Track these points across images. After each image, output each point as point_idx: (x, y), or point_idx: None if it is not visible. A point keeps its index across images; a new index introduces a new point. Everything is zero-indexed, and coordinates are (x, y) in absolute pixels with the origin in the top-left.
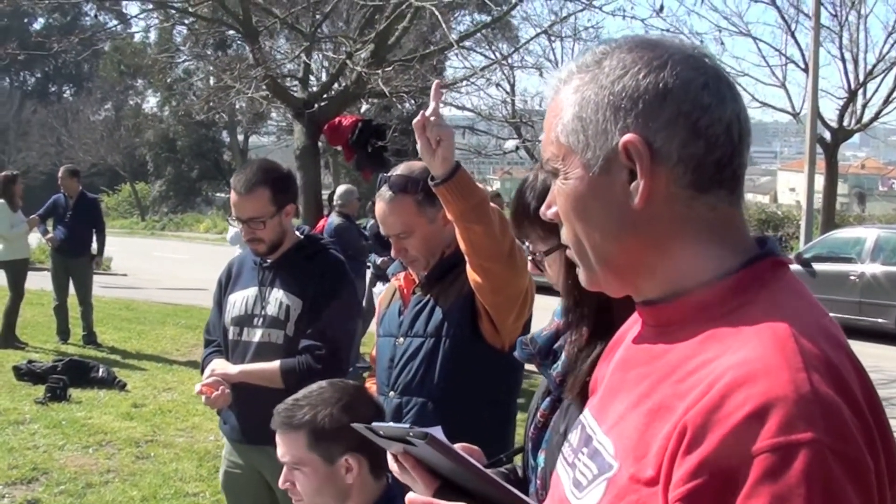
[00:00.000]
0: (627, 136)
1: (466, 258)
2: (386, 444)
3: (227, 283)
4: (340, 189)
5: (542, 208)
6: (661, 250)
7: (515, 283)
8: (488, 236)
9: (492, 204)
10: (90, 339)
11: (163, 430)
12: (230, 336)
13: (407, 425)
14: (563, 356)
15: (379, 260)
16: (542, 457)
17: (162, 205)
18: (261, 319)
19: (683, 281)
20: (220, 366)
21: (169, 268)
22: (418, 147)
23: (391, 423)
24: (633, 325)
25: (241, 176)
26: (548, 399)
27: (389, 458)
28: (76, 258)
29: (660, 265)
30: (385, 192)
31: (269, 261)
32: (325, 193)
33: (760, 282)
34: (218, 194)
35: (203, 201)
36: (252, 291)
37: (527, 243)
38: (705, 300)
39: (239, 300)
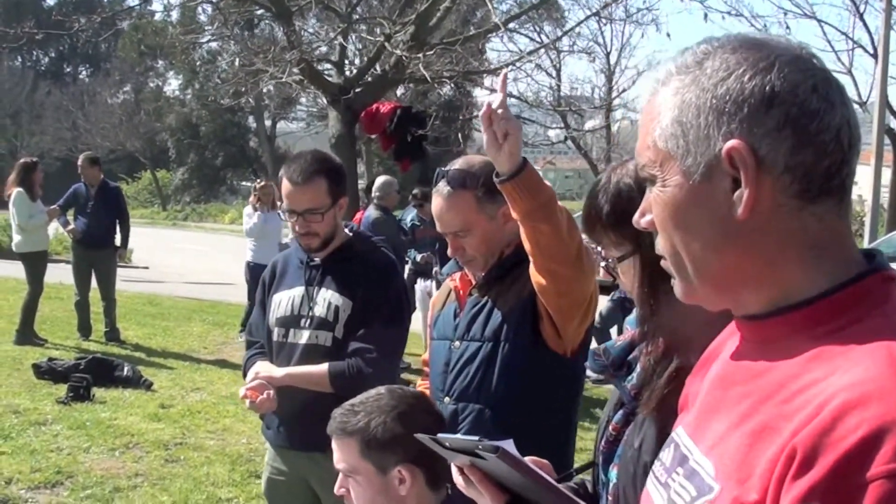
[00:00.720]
0: (731, 143)
1: (531, 259)
2: (451, 455)
3: (271, 282)
4: (379, 180)
5: (636, 216)
6: (766, 263)
7: (582, 287)
8: (556, 237)
9: (561, 205)
10: (113, 335)
11: (192, 433)
12: (275, 338)
13: (476, 438)
14: (637, 368)
15: (419, 256)
16: (614, 472)
17: (184, 194)
18: (308, 321)
19: (788, 295)
20: (264, 368)
21: (192, 260)
22: (483, 141)
23: (458, 436)
24: (727, 339)
25: (296, 165)
26: (620, 411)
27: (454, 470)
28: (99, 250)
29: (764, 279)
30: (443, 187)
31: (316, 259)
32: (360, 185)
33: (870, 298)
34: (243, 183)
35: (227, 190)
36: (298, 291)
37: (599, 249)
38: (812, 316)
39: (285, 300)
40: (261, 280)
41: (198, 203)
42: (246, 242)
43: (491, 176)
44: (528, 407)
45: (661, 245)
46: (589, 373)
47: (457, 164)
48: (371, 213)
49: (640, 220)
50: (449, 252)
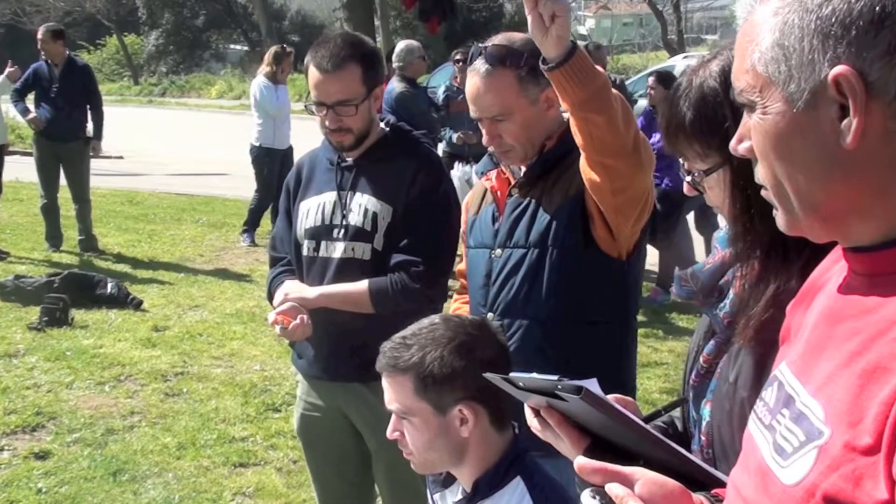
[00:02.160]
0: (838, 69)
1: (583, 154)
2: (525, 396)
3: (296, 188)
4: (400, 46)
5: (733, 142)
6: (876, 193)
7: (639, 183)
8: (610, 128)
9: (614, 91)
10: (89, 244)
11: (194, 360)
12: (305, 252)
13: (555, 377)
14: (730, 293)
15: (454, 136)
16: (707, 408)
17: (159, 63)
18: (342, 231)
19: None
20: (294, 289)
21: (176, 146)
22: (529, 24)
23: (534, 374)
24: (830, 268)
25: (325, 50)
26: (712, 341)
27: (528, 412)
28: (68, 143)
29: (875, 209)
30: (480, 66)
31: (349, 159)
32: None
33: None
34: (232, 47)
35: (213, 56)
36: (330, 197)
37: (681, 161)
38: None
39: (314, 208)
40: (284, 185)
41: (177, 74)
42: (251, 121)
43: (534, 54)
44: (582, 319)
45: (761, 174)
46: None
47: (496, 39)
48: (394, 85)
49: (738, 146)
50: (484, 140)
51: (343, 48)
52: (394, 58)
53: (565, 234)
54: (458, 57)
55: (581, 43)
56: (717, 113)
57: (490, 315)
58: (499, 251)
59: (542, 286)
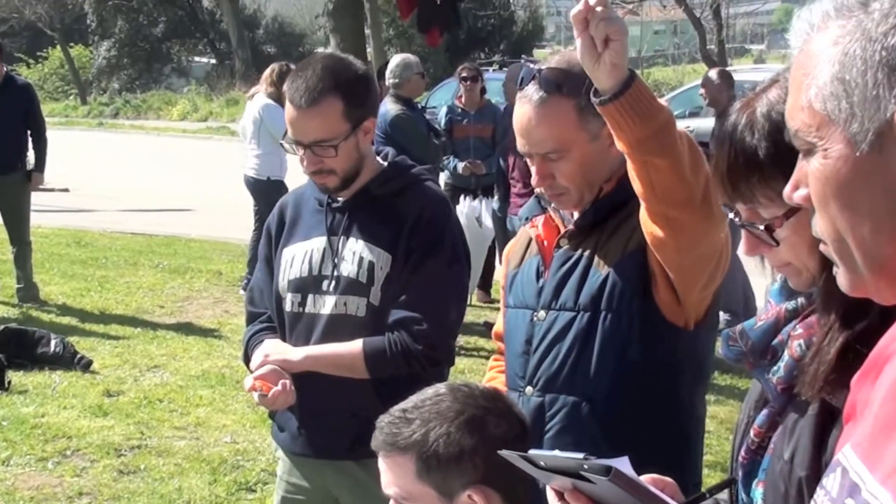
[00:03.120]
0: None
1: (643, 203)
2: (547, 477)
3: (279, 232)
4: (395, 61)
5: (787, 189)
6: None
7: (710, 239)
8: (675, 174)
9: (679, 128)
10: (29, 293)
11: (154, 431)
12: (288, 307)
13: (580, 455)
14: (785, 355)
15: (460, 165)
16: (759, 490)
17: (111, 79)
18: (333, 282)
19: None
20: (276, 349)
21: (131, 177)
22: (577, 49)
23: (556, 452)
24: None
25: (300, 81)
26: (764, 411)
27: (551, 495)
28: (4, 175)
29: None
30: (533, 92)
31: (341, 199)
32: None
33: None
34: (196, 60)
35: (174, 71)
36: (318, 243)
37: (737, 214)
38: None
39: (299, 256)
40: (265, 228)
41: (132, 92)
42: (216, 147)
43: None
44: (638, 398)
45: (819, 227)
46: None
47: (552, 61)
48: (388, 107)
49: (794, 194)
50: (533, 181)
51: (321, 79)
52: (387, 74)
53: (621, 297)
54: (464, 74)
55: None
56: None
57: (529, 389)
58: (542, 313)
59: (593, 358)
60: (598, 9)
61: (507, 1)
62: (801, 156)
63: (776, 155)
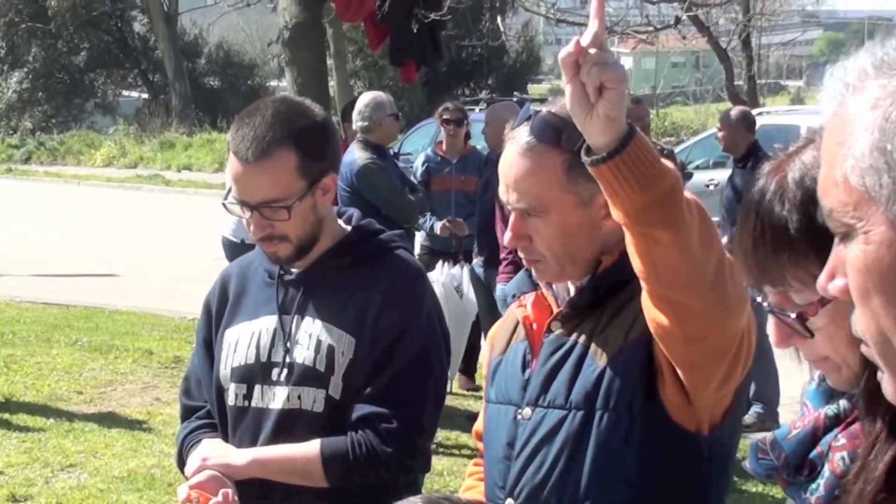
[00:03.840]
0: None
1: (644, 284)
2: None
3: (221, 309)
4: (364, 100)
5: (822, 279)
6: None
7: (725, 328)
8: (681, 250)
9: (689, 195)
10: None
11: None
12: (231, 400)
13: None
14: (825, 470)
15: (437, 225)
16: None
17: (23, 116)
18: (284, 371)
19: None
20: (216, 452)
21: (45, 234)
22: (567, 98)
23: None
24: None
25: (245, 129)
26: None
27: None
28: None
29: None
30: (521, 135)
31: (295, 271)
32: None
33: None
34: (125, 94)
35: (98, 107)
36: (268, 324)
37: (769, 292)
38: None
39: (245, 338)
40: (204, 304)
41: (47, 132)
42: (149, 200)
43: None
44: None
45: (859, 325)
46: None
47: (556, 104)
48: (355, 155)
49: (829, 285)
50: (505, 238)
51: (271, 127)
52: (354, 116)
53: (621, 394)
54: (446, 116)
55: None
56: None
57: (510, 502)
58: (528, 411)
59: (585, 466)
60: (592, 51)
61: (497, 28)
62: (837, 239)
63: (810, 230)
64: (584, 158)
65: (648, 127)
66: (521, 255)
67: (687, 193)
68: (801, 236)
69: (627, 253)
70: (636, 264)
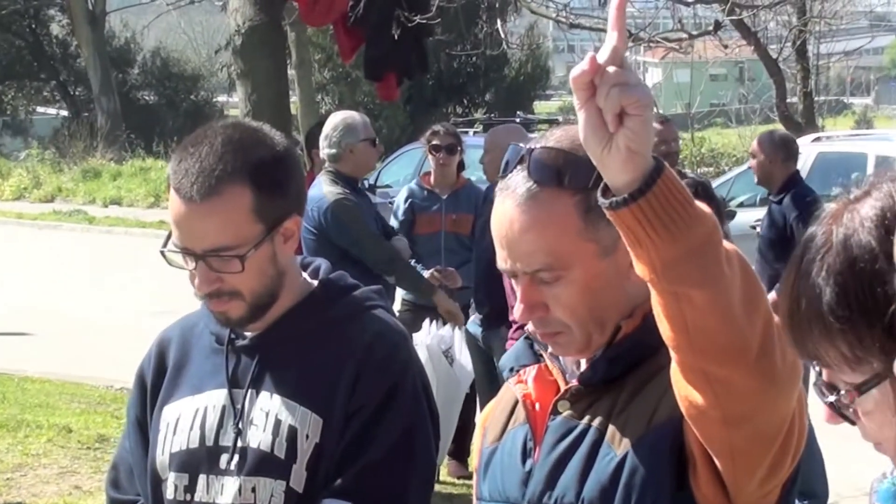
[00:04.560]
0: None
1: (674, 354)
2: None
3: (157, 382)
4: (333, 121)
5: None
6: None
7: (773, 407)
8: (720, 312)
9: (728, 245)
10: None
11: None
12: (169, 493)
13: None
14: None
15: (425, 274)
16: None
17: None
18: (236, 458)
19: None
20: None
21: None
22: (580, 127)
23: None
24: None
25: (189, 161)
26: None
27: None
28: None
29: None
30: (519, 183)
31: (249, 335)
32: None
33: None
34: (41, 111)
35: (7, 128)
36: (215, 399)
37: (816, 367)
38: None
39: (187, 418)
40: (136, 376)
41: None
42: (73, 239)
43: None
44: None
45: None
46: None
47: (552, 137)
48: (323, 190)
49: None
50: (516, 314)
51: (221, 158)
52: (322, 141)
53: (644, 489)
54: (435, 141)
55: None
56: (873, 288)
57: None
58: None
59: None
60: (610, 69)
61: (496, 33)
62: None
63: (844, 305)
64: (601, 201)
65: (677, 154)
66: (533, 329)
67: (727, 243)
68: (832, 310)
69: (650, 317)
70: (664, 330)
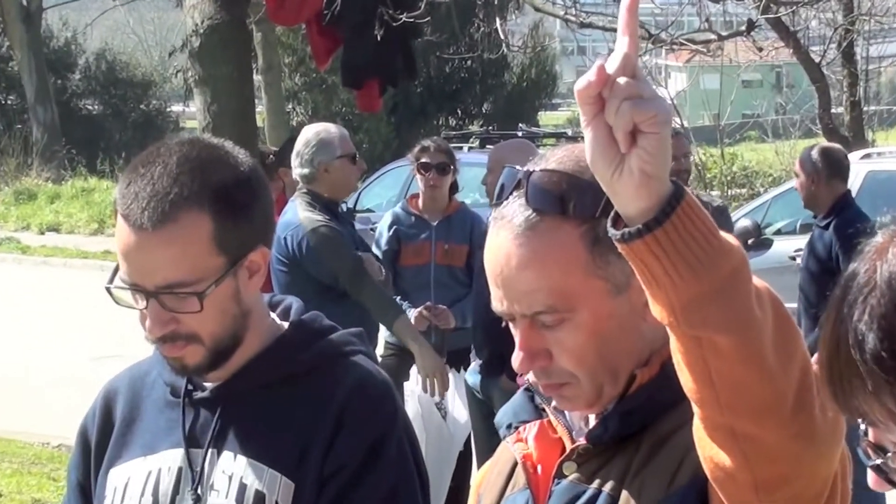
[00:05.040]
0: None
1: (697, 410)
2: None
3: (103, 441)
4: (307, 135)
5: None
6: None
7: (812, 469)
8: (749, 361)
9: (758, 282)
10: None
11: None
12: None
13: None
14: None
15: (413, 313)
16: None
17: None
18: None
19: None
20: None
21: None
22: (586, 146)
23: None
24: None
25: (140, 183)
26: None
27: None
28: None
29: None
30: (516, 211)
31: (209, 386)
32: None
33: None
34: None
35: None
36: (170, 460)
37: (861, 425)
38: None
39: (137, 482)
40: (78, 434)
41: None
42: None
43: None
44: None
45: None
46: None
47: (552, 160)
48: (299, 216)
49: None
50: (515, 364)
51: (176, 180)
52: (293, 160)
53: None
54: (424, 159)
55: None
56: None
57: None
58: None
59: None
60: (622, 80)
61: (495, 32)
62: None
63: (891, 354)
64: (612, 232)
65: (688, 172)
66: (534, 380)
67: (757, 280)
68: (876, 359)
69: (669, 365)
70: (685, 380)
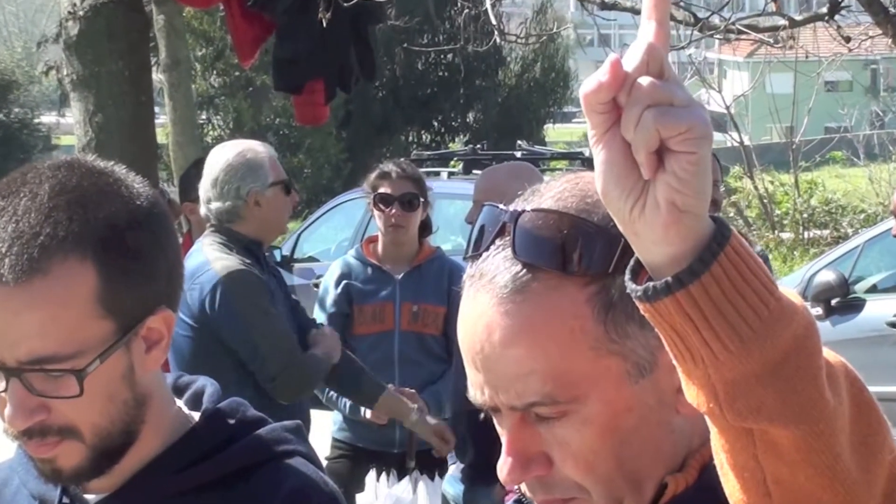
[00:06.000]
0: None
1: None
2: None
3: None
4: (223, 158)
5: None
6: None
7: None
8: (817, 463)
9: (831, 356)
10: None
11: None
12: None
13: None
14: None
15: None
16: None
17: None
18: None
19: None
20: None
21: None
22: (595, 170)
23: None
24: None
25: (1, 217)
26: None
27: None
28: None
29: None
30: (498, 267)
31: (91, 498)
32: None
33: None
34: None
35: None
36: None
37: None
38: None
39: None
40: None
41: None
42: None
43: None
44: None
45: None
46: None
47: (547, 194)
48: (209, 261)
49: None
50: (501, 473)
51: (47, 218)
52: (208, 189)
53: None
54: (384, 189)
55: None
56: None
57: None
58: None
59: None
60: (644, 81)
61: (484, 17)
62: None
63: None
64: (632, 287)
65: (718, 205)
66: (530, 493)
67: (830, 353)
68: None
69: (714, 467)
70: (732, 489)
